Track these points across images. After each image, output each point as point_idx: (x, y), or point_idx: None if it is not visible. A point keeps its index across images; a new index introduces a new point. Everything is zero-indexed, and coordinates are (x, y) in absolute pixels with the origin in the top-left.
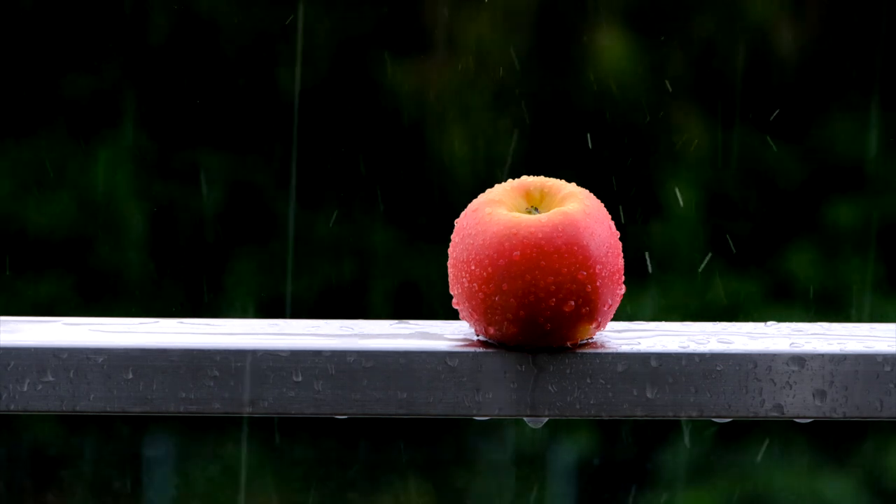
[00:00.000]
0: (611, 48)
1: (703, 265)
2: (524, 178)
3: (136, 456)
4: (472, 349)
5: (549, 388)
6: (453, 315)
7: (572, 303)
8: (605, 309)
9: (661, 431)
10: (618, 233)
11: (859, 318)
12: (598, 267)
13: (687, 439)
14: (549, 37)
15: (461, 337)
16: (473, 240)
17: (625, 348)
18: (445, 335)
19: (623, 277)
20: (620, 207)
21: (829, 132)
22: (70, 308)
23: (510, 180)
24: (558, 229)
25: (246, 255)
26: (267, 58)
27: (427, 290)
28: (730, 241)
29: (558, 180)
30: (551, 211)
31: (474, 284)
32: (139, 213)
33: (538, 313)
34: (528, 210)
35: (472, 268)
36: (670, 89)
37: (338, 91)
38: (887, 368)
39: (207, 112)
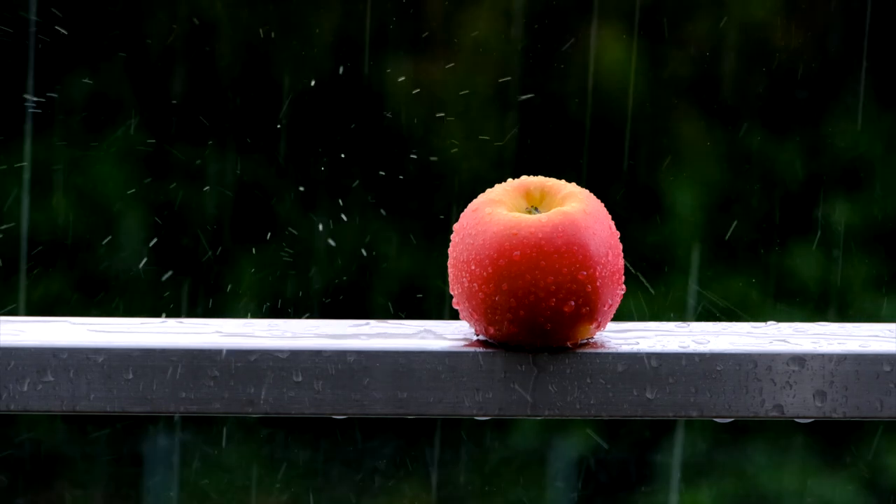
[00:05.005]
0: (610, 48)
1: (703, 265)
2: (524, 178)
3: (136, 456)
4: (472, 349)
5: (549, 388)
6: (453, 315)
7: (572, 303)
8: (605, 309)
9: (661, 431)
10: (618, 233)
11: (859, 318)
12: (599, 267)
13: (687, 439)
14: (548, 36)
15: (461, 337)
16: (473, 240)
17: (625, 348)
18: (445, 335)
19: (623, 277)
20: (620, 207)
21: (830, 131)
22: (70, 308)
23: (510, 180)
24: (558, 229)
25: (246, 255)
26: (267, 57)
27: (427, 290)
28: (730, 241)
29: (558, 180)
30: (551, 211)
31: (474, 284)
32: (139, 213)
33: (538, 313)
34: (529, 210)
35: (473, 268)
36: (671, 88)
37: (338, 90)
38: (887, 368)
39: (208, 112)
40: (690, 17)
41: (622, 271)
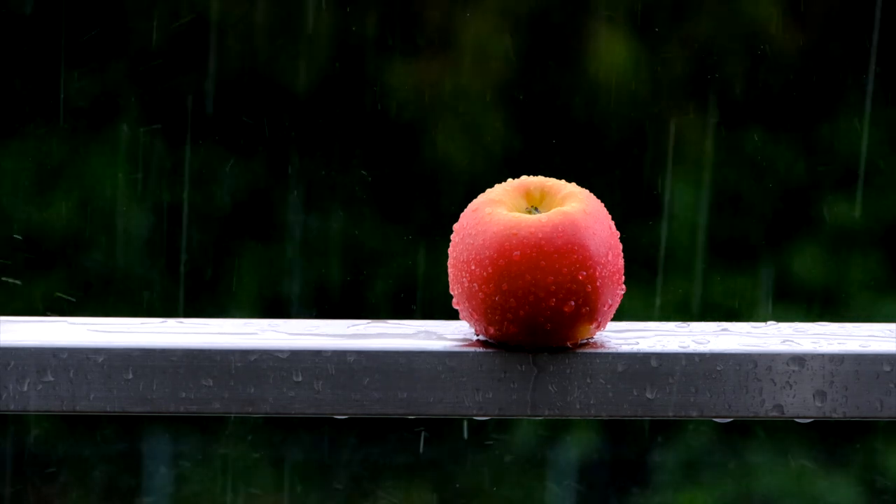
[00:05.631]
0: (610, 47)
1: (703, 265)
2: (524, 178)
3: (137, 456)
4: (472, 349)
5: (549, 388)
6: (453, 315)
7: (572, 303)
8: (605, 309)
9: (661, 431)
10: (618, 233)
11: (859, 318)
12: (599, 267)
13: (687, 439)
14: (548, 36)
15: (461, 337)
16: (473, 240)
17: (625, 348)
18: (445, 335)
19: (623, 277)
20: (620, 207)
21: (830, 131)
22: (70, 308)
23: (510, 180)
24: (558, 229)
25: (246, 254)
26: (267, 57)
27: (427, 290)
28: (730, 241)
29: (558, 180)
30: (551, 211)
31: (474, 284)
32: (139, 213)
33: (538, 313)
34: (528, 210)
35: (472, 268)
36: (670, 88)
37: (338, 90)
38: (887, 368)
39: (208, 112)
40: (691, 17)
41: (622, 271)
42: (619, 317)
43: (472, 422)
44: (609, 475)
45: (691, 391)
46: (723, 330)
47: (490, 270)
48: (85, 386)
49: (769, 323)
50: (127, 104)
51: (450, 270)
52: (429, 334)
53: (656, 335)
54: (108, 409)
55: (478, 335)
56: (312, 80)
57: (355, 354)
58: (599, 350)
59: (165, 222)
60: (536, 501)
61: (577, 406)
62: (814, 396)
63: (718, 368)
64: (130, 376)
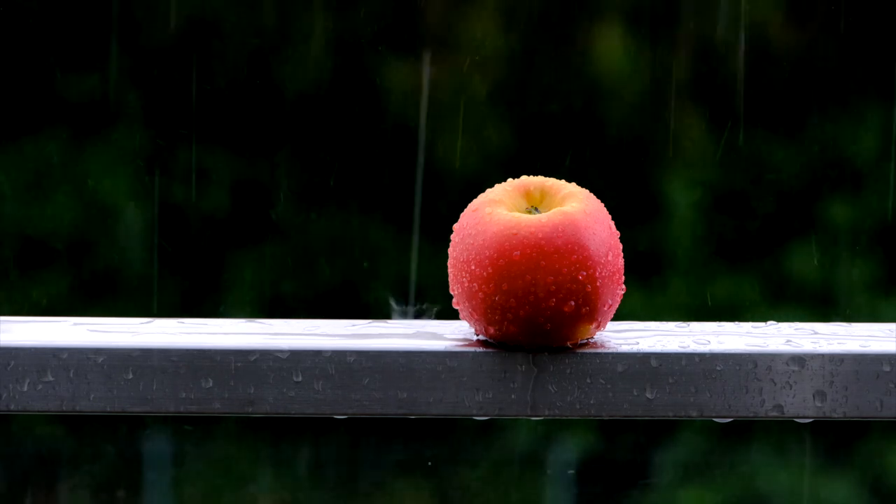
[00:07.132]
0: (610, 47)
1: (702, 265)
2: (524, 177)
3: (136, 456)
4: (472, 349)
5: (549, 388)
6: (453, 315)
7: (572, 303)
8: (605, 309)
9: (661, 431)
10: (618, 233)
11: (859, 318)
12: (599, 267)
13: (687, 439)
14: (548, 36)
15: (461, 337)
16: (473, 240)
17: (625, 348)
18: (445, 335)
19: (623, 277)
20: (620, 207)
21: (830, 131)
22: (70, 308)
23: (510, 180)
24: (558, 229)
25: (246, 254)
26: (267, 57)
27: (427, 290)
28: (730, 241)
29: (558, 180)
30: (551, 211)
31: (474, 284)
32: (139, 213)
33: (538, 313)
34: (528, 210)
35: (472, 268)
36: (670, 89)
37: (337, 90)
38: (887, 368)
39: (208, 112)
40: (690, 17)
41: (622, 271)
42: (619, 317)
43: (471, 421)
44: (609, 475)
45: (691, 391)
46: (723, 330)
47: (490, 270)
48: (85, 386)
49: (769, 323)
50: (127, 104)
51: (450, 270)
52: (429, 334)
53: (656, 335)
54: (108, 409)
55: (478, 335)
56: (311, 79)
57: (355, 354)
58: (599, 350)
59: (165, 222)
60: (536, 501)
61: (577, 406)
62: (814, 396)
63: (718, 368)
64: (130, 376)
